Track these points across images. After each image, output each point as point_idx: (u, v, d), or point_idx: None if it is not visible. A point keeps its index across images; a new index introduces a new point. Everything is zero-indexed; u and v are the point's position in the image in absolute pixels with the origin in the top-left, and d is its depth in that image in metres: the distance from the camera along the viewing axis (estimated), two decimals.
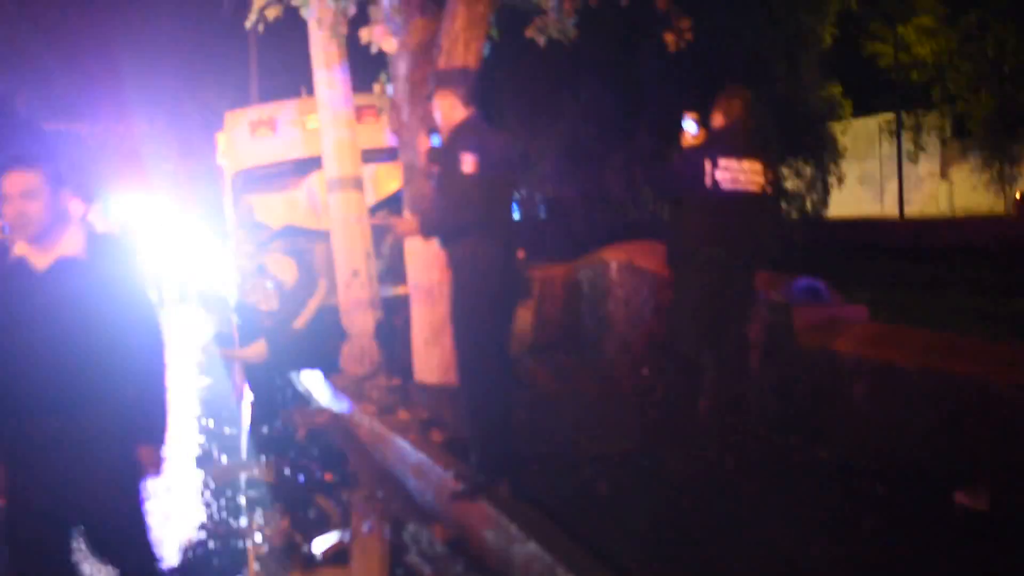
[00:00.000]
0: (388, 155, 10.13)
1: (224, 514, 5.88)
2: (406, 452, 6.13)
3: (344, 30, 7.66)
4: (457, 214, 4.96)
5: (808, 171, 23.21)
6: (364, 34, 7.61)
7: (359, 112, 9.49)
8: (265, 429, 8.02)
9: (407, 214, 7.51)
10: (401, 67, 7.78)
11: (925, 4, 29.32)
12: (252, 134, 10.90)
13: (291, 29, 9.14)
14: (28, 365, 3.15)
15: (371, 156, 9.76)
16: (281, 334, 8.72)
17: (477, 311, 4.99)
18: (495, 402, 5.06)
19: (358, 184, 8.94)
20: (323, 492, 6.22)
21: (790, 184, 22.44)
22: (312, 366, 9.14)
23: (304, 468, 6.78)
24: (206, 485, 6.52)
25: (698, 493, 4.88)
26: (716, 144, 5.19)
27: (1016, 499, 4.34)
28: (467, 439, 5.47)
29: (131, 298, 3.33)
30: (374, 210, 9.77)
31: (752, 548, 4.21)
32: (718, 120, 5.28)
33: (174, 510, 5.95)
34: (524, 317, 8.77)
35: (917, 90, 30.86)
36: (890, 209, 33.21)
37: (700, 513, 4.66)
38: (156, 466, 3.43)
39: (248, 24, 7.95)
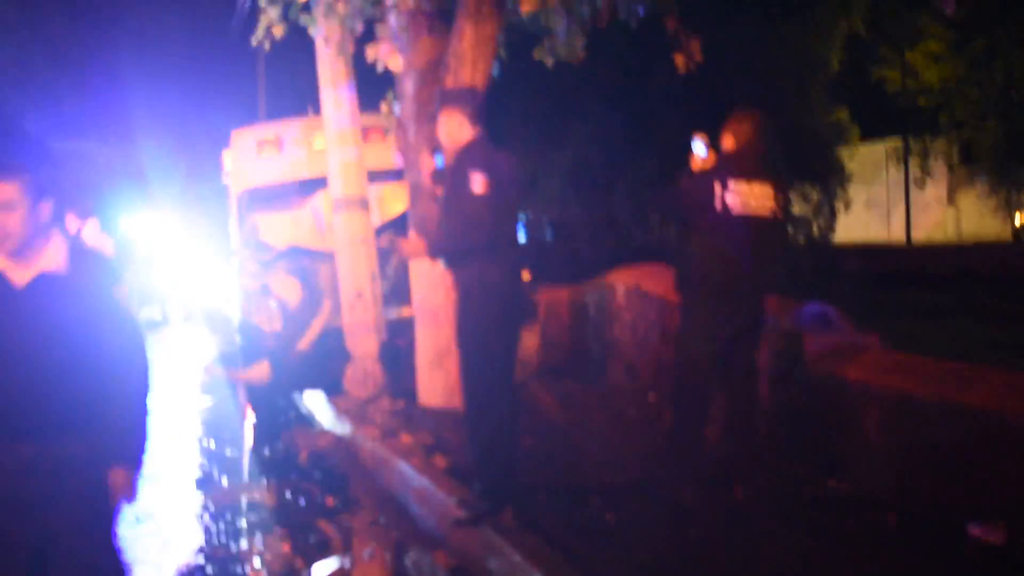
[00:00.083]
0: (394, 176, 10.10)
1: (224, 538, 5.79)
2: (409, 477, 6.04)
3: (351, 48, 7.63)
4: (465, 235, 4.88)
5: (815, 196, 23.18)
6: (371, 52, 7.57)
7: (365, 132, 9.45)
8: (267, 451, 7.92)
9: (413, 235, 7.44)
10: (408, 86, 7.73)
11: (933, 30, 29.31)
12: (258, 153, 10.89)
13: (299, 49, 9.12)
14: (2, 387, 2.97)
15: (377, 176, 9.72)
16: (284, 355, 8.63)
17: (483, 334, 4.91)
18: (500, 428, 4.97)
19: (364, 204, 8.88)
20: (325, 516, 6.12)
21: (797, 209, 22.38)
22: (315, 388, 9.06)
23: (306, 491, 6.68)
24: (206, 508, 6.42)
25: (706, 524, 4.79)
26: (726, 167, 5.10)
27: None
28: (471, 465, 5.38)
29: (115, 317, 3.16)
30: (380, 231, 9.71)
31: None
32: (729, 142, 5.20)
33: (173, 533, 5.85)
34: (529, 341, 8.69)
35: (924, 116, 30.84)
36: (896, 234, 33.16)
37: (708, 545, 4.56)
38: (129, 491, 3.22)
39: (254, 41, 7.91)
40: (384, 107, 8.72)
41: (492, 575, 4.64)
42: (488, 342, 4.91)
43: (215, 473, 7.39)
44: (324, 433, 8.30)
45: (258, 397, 8.79)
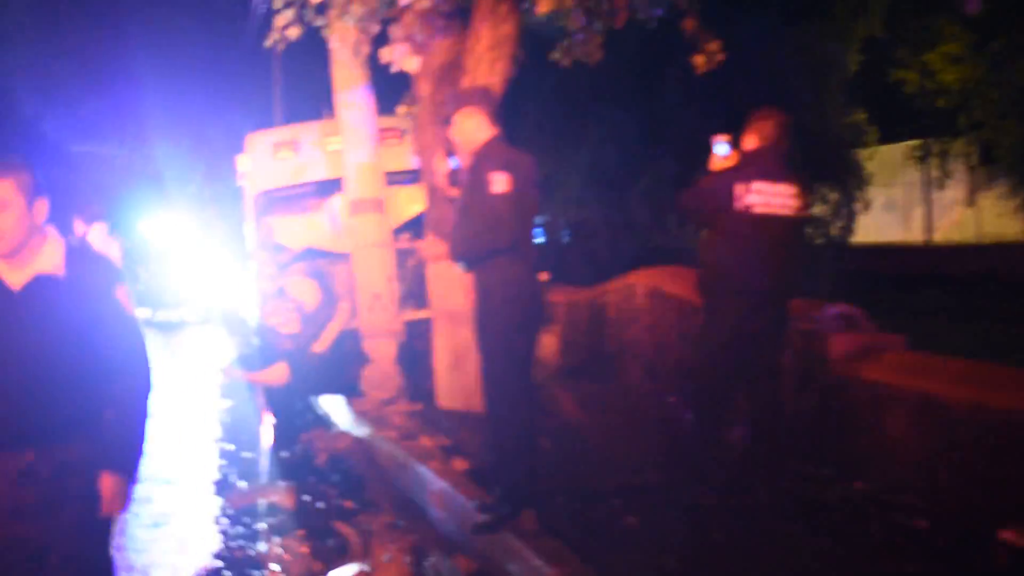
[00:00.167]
0: (411, 177, 10.07)
1: (241, 541, 5.75)
2: (428, 480, 5.99)
3: (366, 50, 7.58)
4: (488, 237, 4.82)
5: (833, 197, 23.03)
6: (385, 54, 7.52)
7: (382, 134, 9.41)
8: (285, 453, 7.89)
9: (430, 237, 7.39)
10: (424, 88, 7.69)
11: (951, 31, 29.05)
12: (274, 156, 10.88)
13: (315, 51, 9.09)
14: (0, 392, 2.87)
15: (394, 179, 9.69)
16: (302, 357, 8.60)
17: (504, 336, 4.86)
18: (520, 430, 4.91)
19: (380, 206, 8.85)
20: (343, 519, 6.08)
21: (815, 210, 22.25)
22: (333, 390, 9.02)
23: (324, 494, 6.65)
24: (223, 511, 6.39)
25: (728, 527, 4.72)
26: (749, 166, 5.03)
27: None
28: (490, 467, 5.33)
29: (115, 319, 3.02)
30: (397, 233, 9.68)
31: None
32: (751, 142, 5.12)
33: (190, 536, 5.83)
34: (549, 342, 8.63)
35: (943, 117, 30.58)
36: (915, 235, 32.92)
37: (730, 549, 4.50)
38: (120, 500, 3.06)
39: (268, 43, 7.88)
40: (401, 109, 8.69)
41: None
42: (509, 344, 4.86)
43: (233, 475, 7.36)
44: (342, 435, 8.26)
45: (276, 399, 8.76)
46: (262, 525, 6.09)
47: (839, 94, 23.13)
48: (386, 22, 7.70)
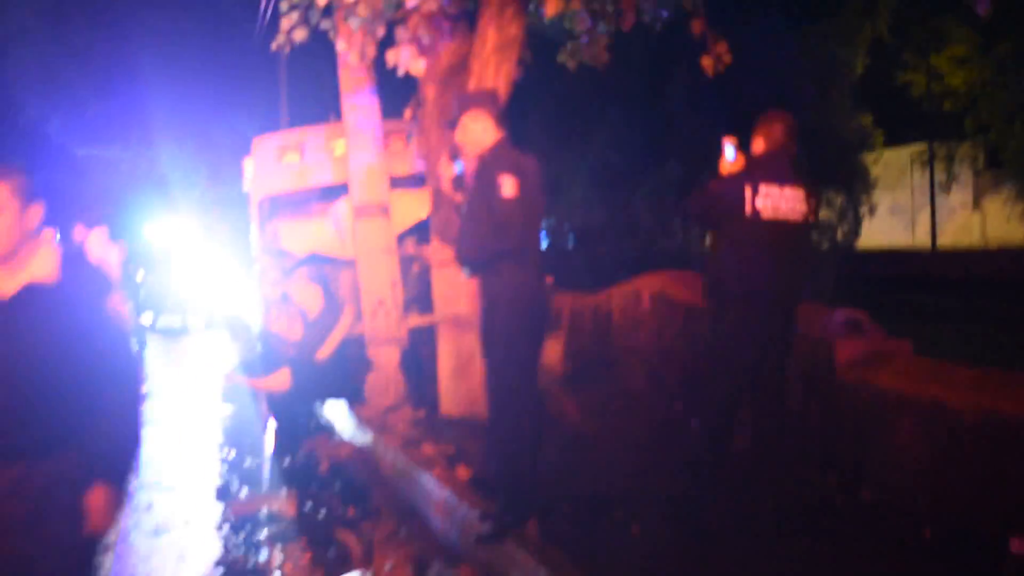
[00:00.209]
0: (416, 182, 10.02)
1: (243, 549, 5.70)
2: (431, 488, 5.93)
3: (372, 52, 7.53)
4: (495, 241, 4.75)
5: (839, 201, 22.97)
6: (391, 56, 7.47)
7: (386, 137, 9.36)
8: (287, 460, 7.83)
9: (435, 242, 7.34)
10: (430, 91, 7.65)
11: (958, 34, 29.00)
12: (279, 160, 10.84)
13: (321, 55, 9.05)
14: None
15: (398, 183, 9.63)
16: (305, 363, 8.54)
17: (510, 342, 4.79)
18: (525, 438, 4.85)
19: (385, 211, 8.79)
20: (345, 527, 6.02)
21: (821, 214, 22.20)
22: (336, 396, 8.96)
23: (326, 502, 6.59)
24: (225, 518, 6.34)
25: (735, 536, 4.66)
26: (757, 170, 4.97)
27: None
28: (494, 476, 5.27)
29: (107, 330, 2.93)
30: (401, 238, 9.63)
31: None
32: (759, 145, 5.06)
33: (191, 544, 5.77)
34: (553, 348, 8.57)
35: (950, 120, 30.50)
36: (921, 240, 32.84)
37: (737, 558, 4.43)
38: (108, 514, 2.93)
39: (275, 46, 7.84)
40: (408, 112, 8.63)
41: None
42: (516, 350, 4.80)
43: (234, 483, 7.31)
44: (345, 442, 8.21)
45: (278, 406, 8.70)
46: (264, 533, 6.03)
47: (845, 97, 23.09)
48: (392, 25, 7.66)
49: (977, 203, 33.46)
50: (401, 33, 7.63)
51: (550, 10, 7.21)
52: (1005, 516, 4.42)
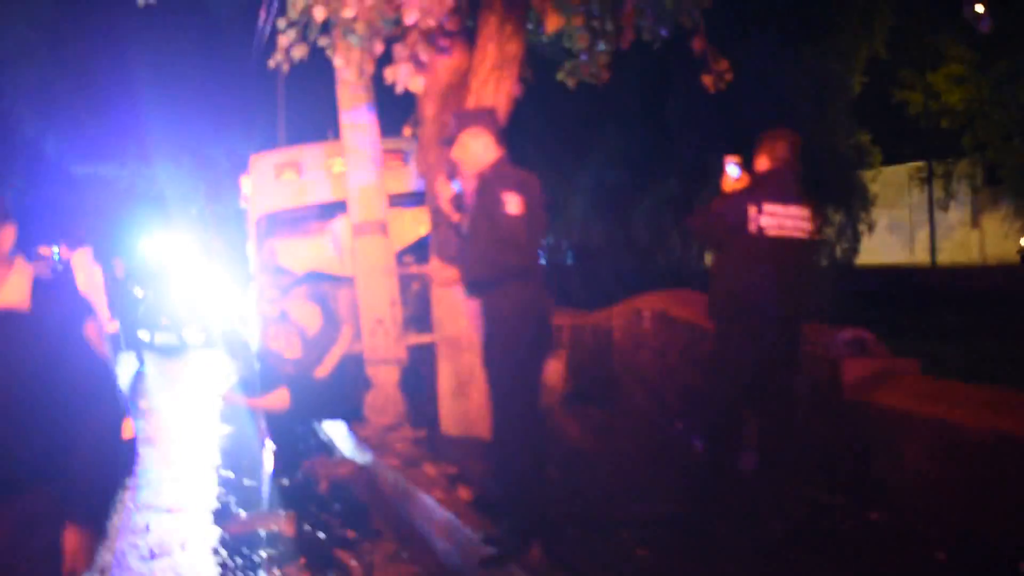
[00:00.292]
0: (414, 200, 9.97)
1: (241, 572, 5.61)
2: (432, 510, 5.85)
3: (370, 69, 7.49)
4: (503, 259, 4.69)
5: (838, 219, 22.99)
6: (389, 74, 7.43)
7: (385, 155, 9.32)
8: (286, 480, 7.76)
9: (435, 261, 7.28)
10: (429, 108, 7.61)
11: (955, 52, 29.12)
12: (277, 177, 10.80)
13: (319, 72, 9.01)
14: None
15: (397, 201, 9.59)
16: (303, 382, 8.49)
17: (515, 363, 4.72)
18: (529, 459, 4.78)
19: (383, 229, 8.74)
20: (345, 549, 5.94)
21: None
22: (335, 415, 8.90)
23: (325, 522, 6.51)
24: (223, 540, 6.25)
25: (741, 559, 4.59)
26: (761, 188, 4.93)
27: None
28: (496, 497, 5.20)
29: (83, 359, 2.73)
30: (400, 256, 9.58)
31: None
32: (763, 163, 5.03)
33: (188, 567, 5.69)
34: (554, 367, 8.50)
35: (947, 138, 30.60)
36: (920, 257, 32.89)
37: None
38: (85, 556, 2.73)
39: (272, 64, 7.80)
40: (407, 130, 8.59)
41: None
42: (519, 371, 4.73)
43: (232, 503, 7.23)
44: (344, 462, 8.13)
45: (277, 425, 8.65)
46: (262, 554, 5.95)
47: (843, 115, 23.14)
48: (390, 42, 7.62)
49: (975, 220, 33.53)
50: (399, 50, 7.59)
51: (550, 26, 7.19)
52: (1018, 539, 4.35)
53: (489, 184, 4.79)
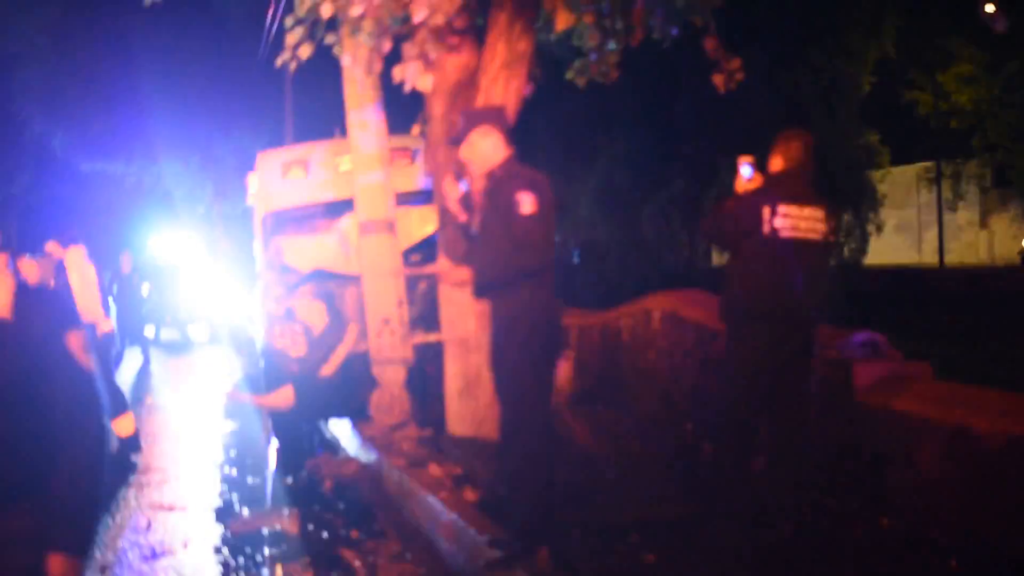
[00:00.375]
0: (422, 198, 9.92)
1: (244, 571, 5.56)
2: (437, 511, 5.79)
3: (378, 67, 7.43)
4: (518, 260, 4.63)
5: (846, 219, 22.92)
6: (397, 72, 7.37)
7: (392, 154, 9.27)
8: (290, 479, 7.72)
9: (444, 261, 7.21)
10: (437, 107, 7.54)
11: (965, 52, 28.99)
12: (284, 175, 10.76)
13: (328, 70, 8.96)
14: None
15: (404, 199, 9.53)
16: (309, 381, 8.44)
17: (527, 365, 4.66)
18: (538, 462, 4.72)
19: (390, 228, 8.69)
20: (349, 549, 5.89)
21: None
22: (340, 414, 8.85)
23: (329, 522, 6.46)
24: (226, 538, 6.20)
25: (751, 566, 4.52)
26: (775, 189, 4.87)
27: None
28: (502, 499, 5.14)
29: (66, 371, 2.59)
30: (407, 254, 9.52)
31: None
32: (777, 164, 4.96)
33: (191, 566, 5.64)
34: (563, 368, 8.45)
35: (957, 138, 30.48)
36: (928, 258, 32.79)
37: None
38: None
39: (279, 62, 7.75)
40: (415, 128, 8.53)
41: None
42: (531, 372, 4.67)
43: (236, 501, 7.18)
44: (349, 461, 8.08)
45: (281, 423, 8.61)
46: (266, 553, 5.90)
47: (852, 115, 23.08)
48: (398, 40, 7.57)
49: (984, 221, 33.40)
50: (408, 49, 7.54)
51: (560, 24, 7.12)
52: None
53: (501, 184, 4.73)
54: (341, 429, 8.85)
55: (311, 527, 6.39)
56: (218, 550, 5.95)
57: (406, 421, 8.24)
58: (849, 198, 22.55)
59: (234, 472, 8.11)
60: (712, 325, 6.77)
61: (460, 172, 5.72)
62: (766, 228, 4.74)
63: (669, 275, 18.75)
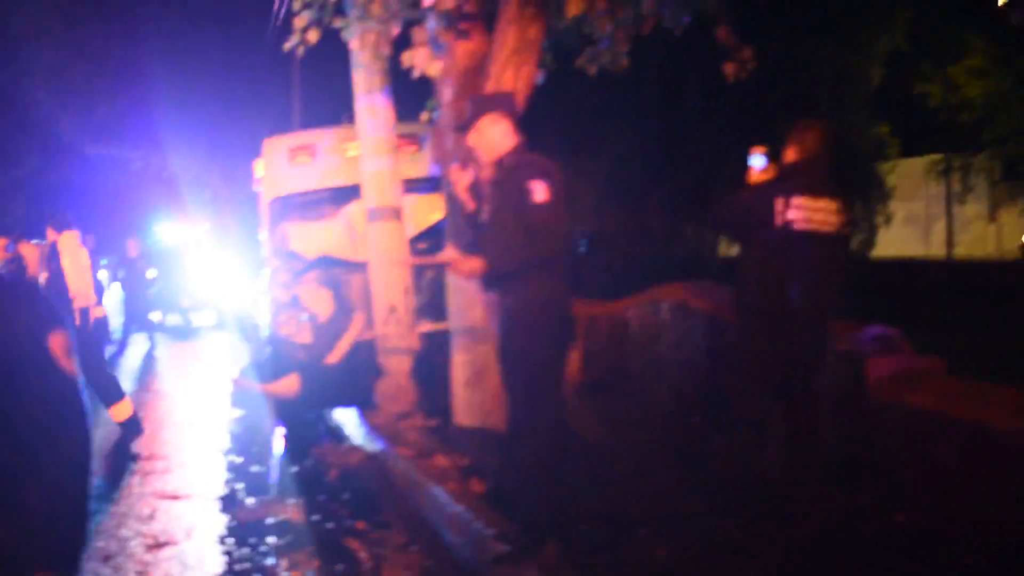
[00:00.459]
0: (428, 186, 9.86)
1: (248, 561, 5.51)
2: (444, 502, 5.73)
3: (386, 51, 7.36)
4: (530, 250, 4.56)
5: (855, 211, 22.81)
6: (406, 58, 7.30)
7: (400, 140, 9.20)
8: (295, 468, 7.67)
9: (452, 250, 7.14)
10: (446, 93, 7.46)
11: (976, 45, 28.79)
12: (290, 161, 10.70)
13: (336, 55, 8.89)
14: None
15: (410, 186, 9.46)
16: (314, 369, 8.39)
17: (539, 356, 4.60)
18: (547, 454, 4.66)
19: (398, 215, 8.62)
20: (354, 539, 5.84)
21: None
22: (346, 403, 8.80)
23: (334, 512, 6.41)
24: (230, 528, 6.15)
25: (763, 562, 4.46)
26: (788, 180, 4.79)
27: None
28: (510, 490, 5.07)
29: (46, 374, 2.44)
30: (414, 242, 9.46)
31: None
32: (791, 154, 4.88)
33: (194, 555, 5.59)
34: (571, 358, 8.39)
35: (966, 131, 30.28)
36: (936, 250, 32.63)
37: None
38: None
39: (287, 46, 7.68)
40: (424, 116, 8.46)
41: None
42: (543, 363, 4.61)
43: (240, 490, 7.13)
44: (355, 450, 8.03)
45: (287, 411, 8.56)
46: (270, 543, 5.85)
47: (861, 107, 22.96)
48: (408, 25, 7.49)
49: (993, 214, 33.24)
50: (418, 34, 7.46)
51: (571, 10, 7.03)
52: None
53: (512, 172, 4.65)
54: (347, 418, 8.80)
55: (316, 517, 6.34)
56: (222, 540, 5.91)
57: (412, 410, 8.19)
58: (858, 190, 22.44)
59: (239, 460, 8.06)
60: (722, 316, 6.70)
61: (468, 159, 5.65)
62: (779, 220, 4.66)
63: (676, 265, 18.65)
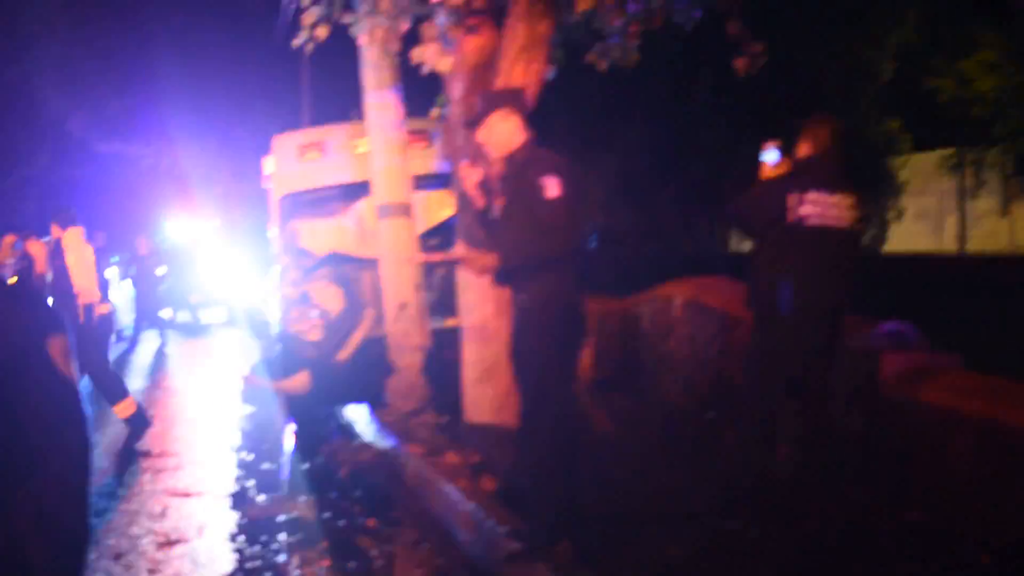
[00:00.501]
0: (438, 182, 9.83)
1: (259, 559, 5.50)
2: (455, 500, 5.71)
3: (395, 47, 7.34)
4: (543, 246, 4.53)
5: (867, 206, 22.74)
6: (416, 53, 7.28)
7: (410, 137, 9.16)
8: (306, 465, 7.65)
9: (463, 246, 7.11)
10: (456, 89, 7.43)
11: (988, 39, 28.65)
12: (300, 158, 10.69)
13: (345, 52, 8.89)
14: None
15: (420, 183, 9.44)
16: (325, 366, 8.37)
17: (552, 353, 4.58)
18: (560, 452, 4.63)
19: (408, 212, 8.60)
20: (366, 536, 5.82)
21: None
22: (357, 400, 8.78)
23: (346, 509, 6.39)
24: (241, 525, 6.14)
25: (777, 560, 4.43)
26: (802, 176, 4.76)
27: None
28: (522, 488, 5.05)
29: (46, 380, 2.32)
30: (424, 238, 9.44)
31: None
32: (805, 149, 4.85)
33: (205, 553, 5.58)
34: (583, 354, 8.36)
35: (978, 126, 30.14)
36: (947, 245, 32.48)
37: None
38: None
39: (296, 43, 7.66)
40: (434, 112, 8.43)
41: None
42: (555, 360, 4.59)
43: (251, 487, 7.12)
44: (366, 447, 8.01)
45: (298, 408, 8.55)
46: (281, 540, 5.84)
47: (873, 101, 22.86)
48: (417, 21, 7.47)
49: (1006, 209, 33.07)
50: (427, 30, 7.44)
51: (581, 4, 6.99)
52: None
53: (523, 168, 4.63)
54: (358, 415, 8.79)
55: (327, 514, 6.33)
56: (233, 537, 5.90)
57: (423, 407, 8.17)
58: (869, 185, 22.37)
59: (250, 458, 8.06)
60: (735, 312, 6.66)
61: (478, 155, 5.62)
62: (792, 215, 4.63)
63: (687, 261, 18.62)
